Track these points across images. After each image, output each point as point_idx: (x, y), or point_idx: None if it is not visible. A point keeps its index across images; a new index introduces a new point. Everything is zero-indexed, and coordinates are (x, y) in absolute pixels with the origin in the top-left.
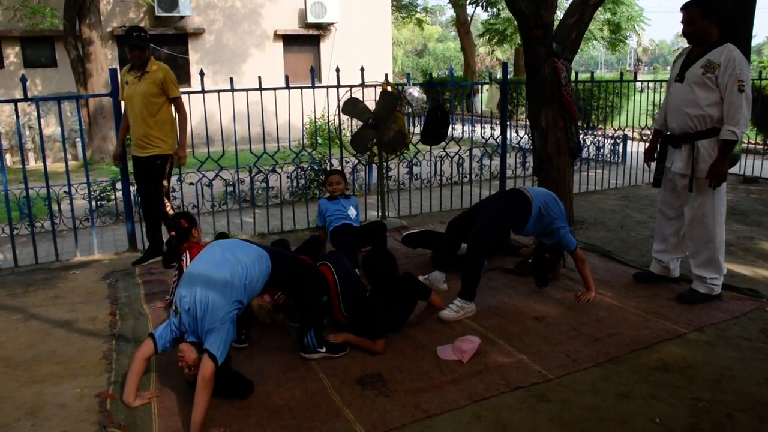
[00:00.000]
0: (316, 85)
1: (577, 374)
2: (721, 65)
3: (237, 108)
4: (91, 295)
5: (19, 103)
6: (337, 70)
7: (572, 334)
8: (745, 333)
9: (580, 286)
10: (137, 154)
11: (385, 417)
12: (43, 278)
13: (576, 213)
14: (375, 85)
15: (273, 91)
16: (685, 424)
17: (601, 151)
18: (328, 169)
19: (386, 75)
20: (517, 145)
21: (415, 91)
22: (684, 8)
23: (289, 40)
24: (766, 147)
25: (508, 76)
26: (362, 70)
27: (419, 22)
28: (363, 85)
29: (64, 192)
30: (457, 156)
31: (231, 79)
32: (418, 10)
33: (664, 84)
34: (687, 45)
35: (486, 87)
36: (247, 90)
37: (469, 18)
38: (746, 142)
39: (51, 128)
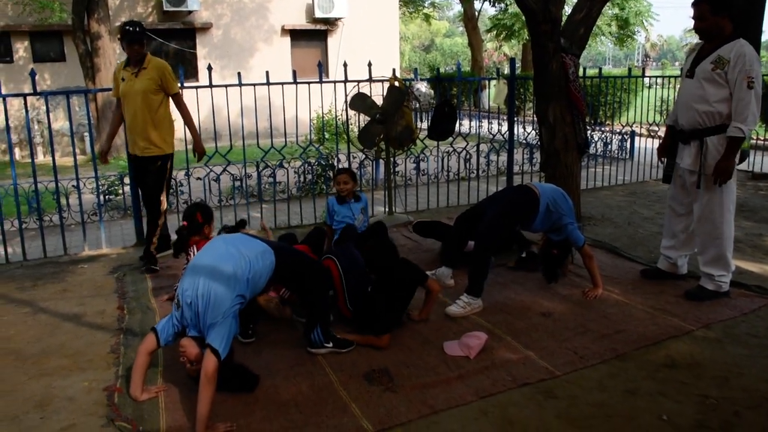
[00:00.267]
0: (323, 80)
1: (585, 371)
2: (731, 61)
3: (245, 102)
4: (99, 289)
5: (28, 98)
6: (345, 65)
7: (579, 331)
8: (753, 330)
9: (587, 282)
10: (136, 153)
11: (391, 412)
12: (52, 272)
13: (583, 209)
14: (382, 81)
15: (280, 85)
16: (693, 422)
17: (609, 147)
18: (335, 164)
19: (393, 70)
20: (524, 141)
21: (423, 87)
22: (695, 4)
23: (296, 35)
24: None
25: (516, 72)
26: (369, 65)
27: (427, 18)
28: (370, 80)
29: (73, 186)
30: (465, 152)
31: (239, 73)
32: (426, 5)
33: (672, 80)
34: (697, 41)
35: (493, 83)
36: (254, 85)
37: (476, 13)
38: (755, 138)
39: (59, 122)
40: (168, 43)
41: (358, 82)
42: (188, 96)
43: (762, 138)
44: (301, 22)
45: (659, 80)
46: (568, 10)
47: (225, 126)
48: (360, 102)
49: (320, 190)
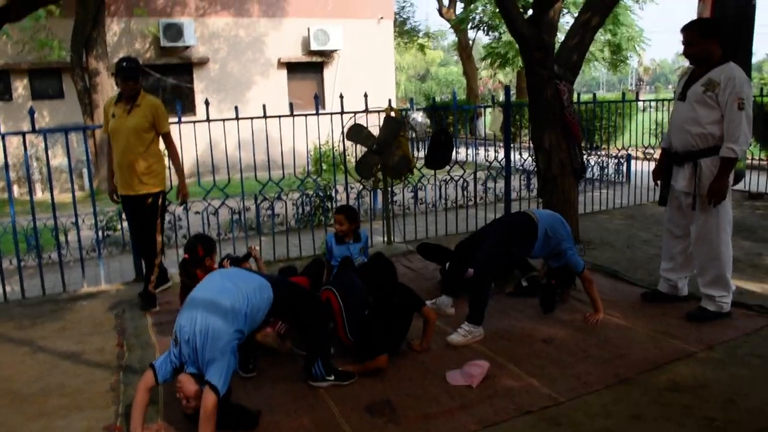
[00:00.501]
0: (320, 111)
1: (588, 396)
2: (721, 83)
3: (242, 136)
4: (98, 326)
5: (27, 135)
6: (341, 96)
7: (581, 356)
8: (757, 350)
9: (587, 307)
10: (126, 193)
11: None
12: (51, 310)
13: (582, 233)
14: (378, 111)
15: (277, 118)
16: None
17: (606, 171)
18: (333, 194)
19: (389, 100)
20: (521, 167)
21: (419, 116)
22: (684, 30)
23: (293, 68)
24: None
25: (511, 99)
26: (365, 96)
27: (421, 47)
28: (366, 111)
29: (71, 223)
30: (462, 179)
31: (236, 107)
32: (420, 35)
33: (666, 103)
34: (688, 65)
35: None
36: (251, 118)
37: (470, 42)
38: (750, 158)
39: (58, 159)
40: (165, 78)
41: (355, 113)
42: (186, 130)
43: (758, 158)
44: (297, 54)
45: (653, 103)
46: (561, 37)
47: (223, 159)
48: (356, 133)
49: (318, 221)
